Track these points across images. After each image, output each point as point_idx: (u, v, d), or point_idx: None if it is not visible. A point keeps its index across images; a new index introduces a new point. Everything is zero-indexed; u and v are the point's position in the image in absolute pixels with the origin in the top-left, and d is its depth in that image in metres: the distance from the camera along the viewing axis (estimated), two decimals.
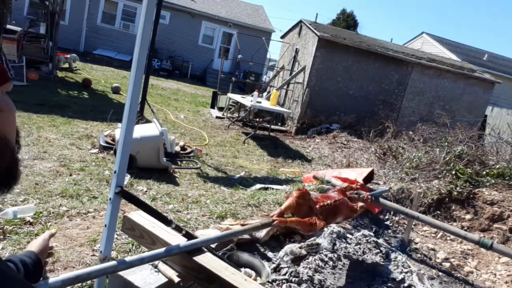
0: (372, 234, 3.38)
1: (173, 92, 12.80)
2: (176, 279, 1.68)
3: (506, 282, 3.11)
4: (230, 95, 10.02)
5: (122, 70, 15.08)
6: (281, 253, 2.68)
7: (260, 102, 8.40)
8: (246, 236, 2.68)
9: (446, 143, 5.43)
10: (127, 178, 4.00)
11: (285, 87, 11.17)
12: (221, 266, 1.58)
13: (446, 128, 6.36)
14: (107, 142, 5.05)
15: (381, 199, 3.06)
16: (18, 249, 2.37)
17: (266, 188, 4.58)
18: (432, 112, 10.17)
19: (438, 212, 4.23)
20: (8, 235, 2.54)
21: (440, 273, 3.12)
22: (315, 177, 4.29)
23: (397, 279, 2.77)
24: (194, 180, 4.67)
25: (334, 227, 3.12)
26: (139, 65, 1.42)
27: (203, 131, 7.64)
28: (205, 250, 1.64)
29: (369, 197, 2.74)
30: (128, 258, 1.35)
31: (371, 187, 4.29)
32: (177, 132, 7.01)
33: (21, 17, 14.83)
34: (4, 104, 0.55)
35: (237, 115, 9.88)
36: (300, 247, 2.74)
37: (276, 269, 2.52)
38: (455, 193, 4.24)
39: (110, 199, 1.50)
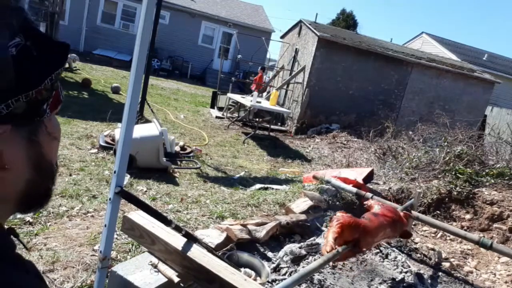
0: None
1: (173, 92, 12.79)
2: (176, 279, 1.68)
3: (506, 282, 3.11)
4: (230, 95, 10.02)
5: (122, 70, 15.07)
6: (281, 253, 2.68)
7: (260, 102, 8.41)
8: (246, 236, 2.67)
9: (445, 143, 5.42)
10: (127, 178, 4.00)
11: (285, 87, 11.18)
12: (221, 266, 1.58)
13: (446, 128, 6.35)
14: (106, 142, 5.05)
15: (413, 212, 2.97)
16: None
17: (266, 188, 4.58)
18: (432, 112, 10.16)
19: (438, 212, 4.22)
20: None
21: (439, 273, 3.12)
22: (314, 177, 4.28)
23: (396, 279, 2.77)
24: (194, 180, 4.67)
25: None
26: (139, 65, 1.43)
27: (202, 131, 7.64)
28: None
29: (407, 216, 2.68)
30: None
31: (371, 187, 4.30)
32: (177, 132, 7.01)
33: None
34: (58, 132, 0.56)
35: (237, 115, 9.88)
36: (300, 247, 2.74)
37: (276, 269, 2.52)
38: (455, 193, 4.24)
39: (110, 199, 1.50)
